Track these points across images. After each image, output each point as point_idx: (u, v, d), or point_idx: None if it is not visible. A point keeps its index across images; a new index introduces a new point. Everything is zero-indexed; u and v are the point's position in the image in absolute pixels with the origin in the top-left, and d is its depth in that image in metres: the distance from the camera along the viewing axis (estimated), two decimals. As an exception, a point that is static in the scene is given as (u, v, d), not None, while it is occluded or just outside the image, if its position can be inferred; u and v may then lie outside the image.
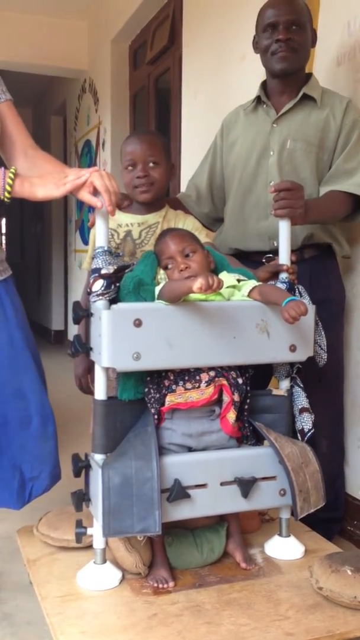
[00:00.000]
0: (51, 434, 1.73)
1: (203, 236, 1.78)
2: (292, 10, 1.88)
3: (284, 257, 1.68)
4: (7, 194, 1.47)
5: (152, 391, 1.54)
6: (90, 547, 1.58)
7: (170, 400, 1.53)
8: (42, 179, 1.51)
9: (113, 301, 1.48)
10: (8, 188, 1.46)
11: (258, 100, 2.03)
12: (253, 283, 1.58)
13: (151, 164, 1.75)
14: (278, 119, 1.97)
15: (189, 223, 1.82)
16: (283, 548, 1.68)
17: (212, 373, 1.54)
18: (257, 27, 1.97)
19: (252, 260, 1.93)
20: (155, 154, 1.75)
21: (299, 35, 1.89)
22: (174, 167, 1.85)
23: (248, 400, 1.61)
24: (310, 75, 2.01)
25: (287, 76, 1.94)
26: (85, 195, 1.50)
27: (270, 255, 1.84)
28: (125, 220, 1.79)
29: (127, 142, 1.80)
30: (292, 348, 1.59)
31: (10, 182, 1.47)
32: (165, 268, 1.57)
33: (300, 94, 1.94)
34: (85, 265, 1.85)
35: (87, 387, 1.86)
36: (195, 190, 2.17)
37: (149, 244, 1.75)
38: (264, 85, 2.04)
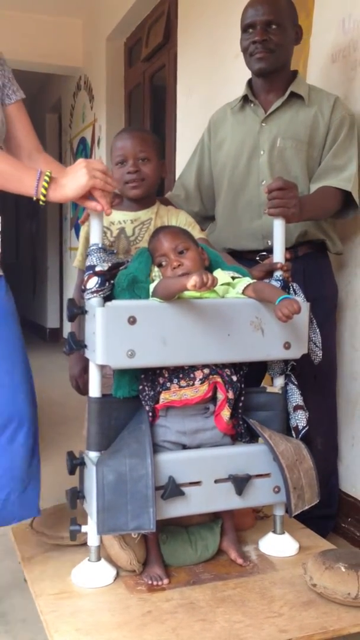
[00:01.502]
0: (17, 447, 1.57)
1: (196, 231, 1.78)
2: (269, 10, 1.89)
3: (279, 255, 1.68)
4: (42, 197, 1.45)
5: (146, 389, 1.54)
6: (84, 544, 1.58)
7: (164, 397, 1.53)
8: (69, 175, 1.47)
9: (107, 298, 1.48)
10: (43, 191, 1.45)
11: (245, 98, 2.04)
12: (247, 280, 1.58)
13: (142, 160, 1.74)
14: (267, 117, 1.97)
15: (181, 218, 1.82)
16: (277, 545, 1.69)
17: (206, 370, 1.54)
18: (240, 27, 1.97)
19: (246, 258, 1.93)
20: (146, 149, 1.74)
21: (277, 35, 1.89)
22: (165, 165, 1.83)
23: (242, 398, 1.61)
24: (296, 72, 2.01)
25: (269, 75, 1.95)
26: (83, 200, 1.48)
27: (264, 253, 1.84)
28: (118, 217, 1.78)
29: (117, 137, 1.79)
30: (287, 345, 1.59)
31: (46, 184, 1.44)
32: (159, 265, 1.57)
33: (288, 92, 1.94)
34: (76, 262, 1.84)
35: (84, 388, 1.85)
36: (183, 190, 2.16)
37: (143, 241, 1.74)
38: (249, 83, 2.05)
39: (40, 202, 1.47)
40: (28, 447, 1.60)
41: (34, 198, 1.46)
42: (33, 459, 1.62)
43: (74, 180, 1.45)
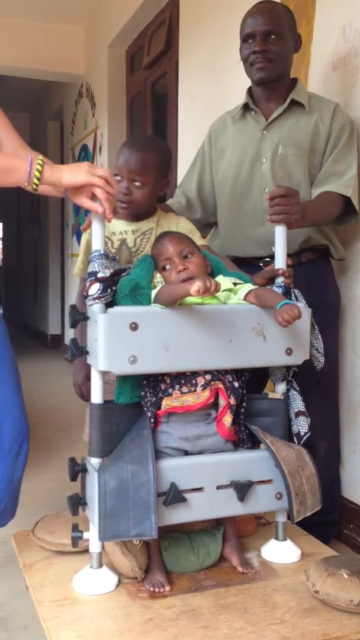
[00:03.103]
0: (20, 461, 1.64)
1: (197, 238, 1.77)
2: (269, 21, 1.89)
3: (280, 261, 1.68)
4: (36, 181, 1.43)
5: (148, 395, 1.54)
6: (86, 551, 1.58)
7: (166, 403, 1.53)
8: (70, 166, 1.48)
9: (109, 305, 1.48)
10: (37, 174, 1.43)
11: (246, 107, 2.04)
12: (249, 286, 1.58)
13: (136, 183, 1.70)
14: (268, 125, 1.98)
15: (182, 225, 1.82)
16: (279, 552, 1.68)
17: (208, 377, 1.54)
18: (240, 37, 1.98)
19: (251, 265, 1.93)
20: (142, 173, 1.69)
21: (277, 44, 1.90)
22: (169, 183, 1.78)
23: (244, 404, 1.61)
24: (295, 80, 2.02)
25: (269, 84, 1.96)
26: (85, 201, 1.49)
27: (268, 259, 1.85)
28: (119, 227, 1.78)
29: (122, 149, 1.74)
30: (288, 351, 1.59)
31: (40, 168, 1.43)
32: (163, 269, 1.57)
33: (289, 100, 1.95)
34: (77, 270, 1.83)
35: (87, 395, 1.85)
36: (185, 198, 2.16)
37: (145, 251, 1.74)
38: (250, 92, 2.05)
39: (34, 186, 1.45)
40: (26, 461, 1.65)
41: (26, 183, 1.45)
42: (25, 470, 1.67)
43: (72, 171, 1.46)
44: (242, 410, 1.61)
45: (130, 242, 1.77)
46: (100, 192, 1.46)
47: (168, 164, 1.80)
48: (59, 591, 1.52)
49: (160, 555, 1.59)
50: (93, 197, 1.48)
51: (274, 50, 1.90)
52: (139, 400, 1.55)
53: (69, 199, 1.55)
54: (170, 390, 1.53)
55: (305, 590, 1.51)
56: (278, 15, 1.92)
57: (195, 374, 1.54)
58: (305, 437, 1.65)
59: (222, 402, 1.57)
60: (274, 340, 1.57)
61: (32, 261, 7.97)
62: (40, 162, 1.44)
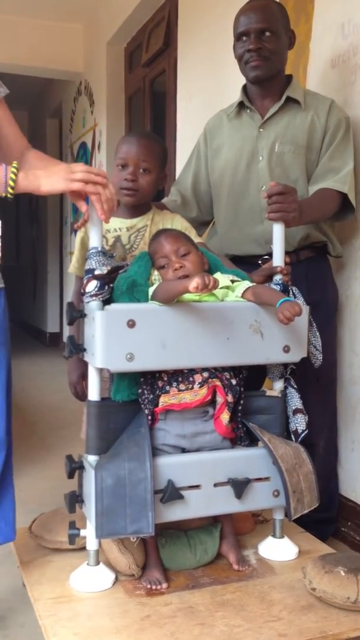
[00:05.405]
0: None
1: (193, 236, 1.77)
2: (262, 18, 1.88)
3: (278, 259, 1.68)
4: (10, 190, 1.40)
5: (145, 392, 1.54)
6: (83, 548, 1.58)
7: (163, 401, 1.53)
8: (48, 172, 1.43)
9: (107, 302, 1.48)
10: (11, 183, 1.39)
11: (241, 105, 2.04)
12: (247, 284, 1.58)
13: (142, 170, 1.72)
14: (264, 123, 1.98)
15: (177, 223, 1.81)
16: (277, 549, 1.68)
17: (205, 374, 1.54)
18: (233, 35, 1.97)
19: (250, 263, 1.93)
20: (148, 160, 1.72)
21: (271, 42, 1.89)
22: (166, 177, 1.81)
23: (242, 401, 1.61)
24: (290, 77, 2.02)
25: (264, 81, 1.95)
26: (80, 204, 1.46)
27: (267, 257, 1.85)
28: (114, 225, 1.77)
29: (124, 140, 1.78)
30: (286, 349, 1.59)
31: (13, 176, 1.39)
32: (160, 267, 1.57)
33: (284, 97, 1.95)
34: (72, 269, 1.83)
35: (82, 394, 1.85)
36: (180, 196, 2.15)
37: (139, 249, 1.74)
38: (244, 89, 2.05)
39: (8, 195, 1.42)
40: (7, 469, 1.59)
41: (2, 194, 1.41)
42: (2, 484, 1.59)
43: (49, 177, 1.42)
44: (240, 407, 1.61)
45: (125, 239, 1.77)
46: (95, 198, 1.43)
47: (166, 158, 1.83)
48: (56, 588, 1.52)
49: (158, 553, 1.59)
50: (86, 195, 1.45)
51: (268, 47, 1.89)
52: (136, 398, 1.55)
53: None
54: (167, 388, 1.53)
55: (302, 587, 1.51)
56: (271, 12, 1.91)
57: (192, 371, 1.54)
58: (302, 435, 1.64)
59: (219, 399, 1.57)
60: (271, 338, 1.57)
61: (31, 259, 7.95)
62: (14, 170, 1.40)
